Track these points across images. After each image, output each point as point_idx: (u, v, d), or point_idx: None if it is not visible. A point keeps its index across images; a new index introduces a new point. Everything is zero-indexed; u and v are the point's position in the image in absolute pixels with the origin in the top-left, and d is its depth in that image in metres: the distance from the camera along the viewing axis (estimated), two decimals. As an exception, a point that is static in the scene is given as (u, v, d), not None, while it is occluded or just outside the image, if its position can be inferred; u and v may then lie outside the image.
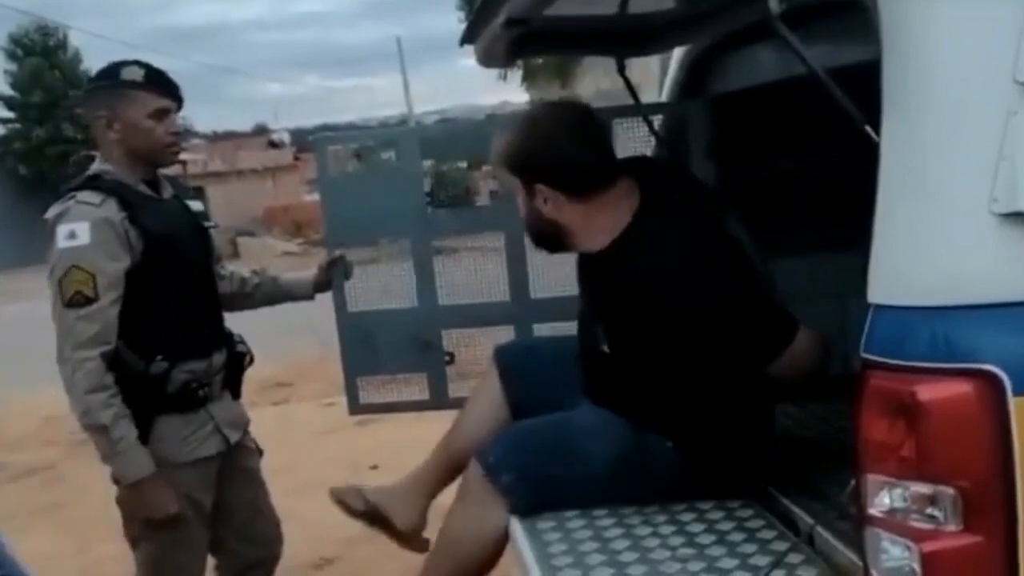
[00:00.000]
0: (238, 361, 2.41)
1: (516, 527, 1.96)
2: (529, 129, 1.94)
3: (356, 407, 2.80)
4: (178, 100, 2.23)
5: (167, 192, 2.30)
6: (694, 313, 1.78)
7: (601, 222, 1.90)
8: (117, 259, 2.08)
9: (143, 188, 2.21)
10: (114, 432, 2.05)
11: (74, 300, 2.04)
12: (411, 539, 2.29)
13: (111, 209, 2.09)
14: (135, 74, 2.16)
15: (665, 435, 1.96)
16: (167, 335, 2.17)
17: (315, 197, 2.81)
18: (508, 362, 2.30)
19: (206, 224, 2.39)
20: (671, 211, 1.91)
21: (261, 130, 43.13)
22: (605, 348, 1.97)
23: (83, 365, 2.03)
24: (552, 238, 1.99)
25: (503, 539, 1.99)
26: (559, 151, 1.88)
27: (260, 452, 2.53)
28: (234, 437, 2.35)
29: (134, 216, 2.11)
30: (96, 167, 2.20)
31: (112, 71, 2.20)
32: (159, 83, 2.19)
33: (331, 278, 2.67)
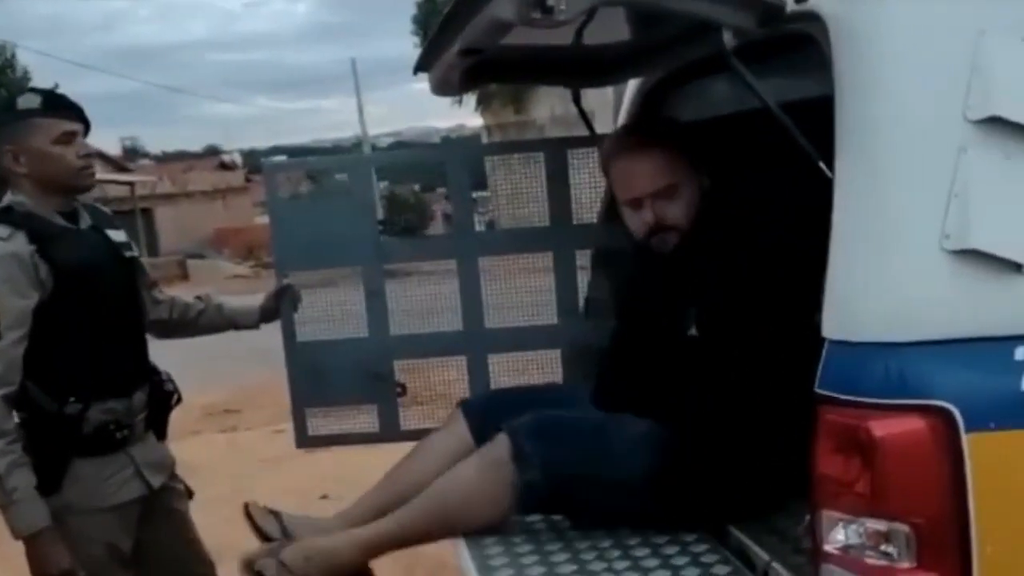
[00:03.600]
0: (164, 400, 2.31)
1: (463, 551, 1.94)
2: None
3: (304, 440, 2.73)
4: (83, 122, 2.14)
5: (85, 222, 2.20)
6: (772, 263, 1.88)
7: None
8: (24, 296, 1.98)
9: (58, 219, 2.12)
10: (8, 481, 1.93)
11: None
12: None
13: (19, 243, 1.99)
14: (32, 102, 2.08)
15: (702, 451, 1.90)
16: (82, 374, 2.07)
17: (266, 219, 2.76)
18: (477, 414, 2.19)
19: (128, 254, 2.28)
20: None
21: (212, 151, 42.69)
22: (693, 331, 1.96)
23: None
24: (703, 232, 2.02)
25: (504, 514, 1.95)
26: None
27: (190, 494, 2.43)
28: (157, 481, 2.24)
29: (45, 249, 2.02)
30: (8, 199, 2.11)
31: (9, 103, 2.13)
32: (60, 107, 2.10)
33: (279, 307, 2.62)
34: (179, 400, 2.36)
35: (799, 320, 1.80)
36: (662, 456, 1.90)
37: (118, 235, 2.28)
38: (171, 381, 2.35)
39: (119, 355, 2.18)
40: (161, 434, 2.32)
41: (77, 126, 2.12)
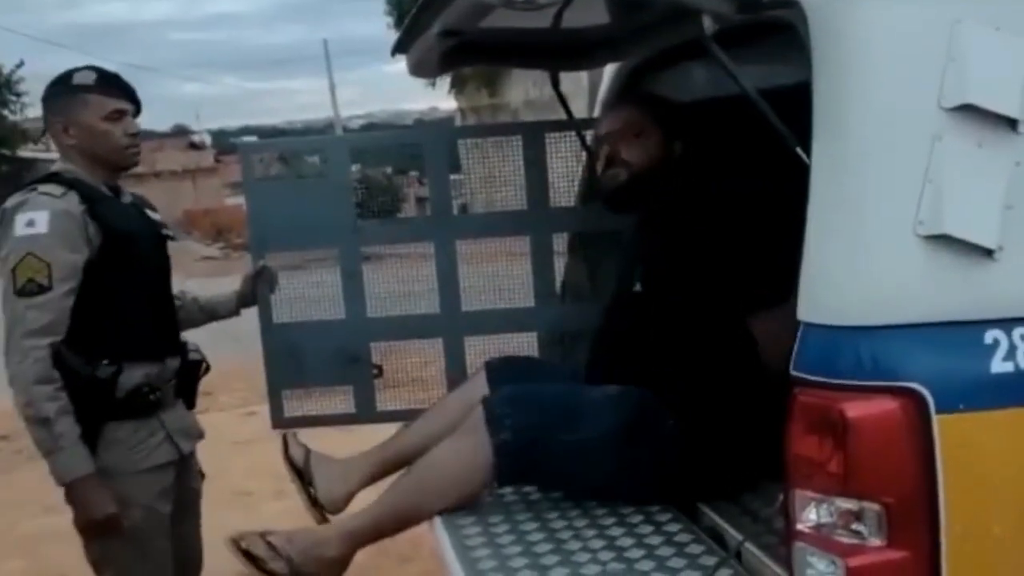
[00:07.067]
0: (193, 369, 2.36)
1: (441, 532, 1.95)
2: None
3: (280, 421, 2.73)
4: (135, 102, 2.21)
5: (127, 198, 2.29)
6: (720, 239, 2.03)
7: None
8: (75, 250, 2.04)
9: (104, 190, 2.18)
10: (56, 426, 1.98)
11: (26, 288, 1.99)
12: (320, 513, 2.27)
13: (72, 202, 2.06)
14: (87, 78, 2.15)
15: (670, 411, 1.98)
16: (119, 335, 2.11)
17: (237, 200, 2.72)
18: (499, 376, 2.29)
19: (164, 232, 2.36)
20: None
21: (181, 131, 42.02)
22: (637, 287, 2.17)
23: (31, 354, 1.97)
24: (652, 182, 2.21)
25: (480, 486, 2.03)
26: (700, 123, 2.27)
27: (202, 475, 2.46)
28: (187, 447, 2.30)
29: (94, 210, 2.09)
30: (58, 166, 2.18)
31: (65, 77, 2.18)
32: (112, 85, 2.18)
33: (255, 291, 2.60)
34: (207, 369, 2.42)
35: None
36: (624, 416, 1.98)
37: (155, 215, 2.37)
38: (198, 351, 2.40)
39: (154, 320, 2.23)
40: (190, 403, 2.39)
41: (128, 106, 2.20)
